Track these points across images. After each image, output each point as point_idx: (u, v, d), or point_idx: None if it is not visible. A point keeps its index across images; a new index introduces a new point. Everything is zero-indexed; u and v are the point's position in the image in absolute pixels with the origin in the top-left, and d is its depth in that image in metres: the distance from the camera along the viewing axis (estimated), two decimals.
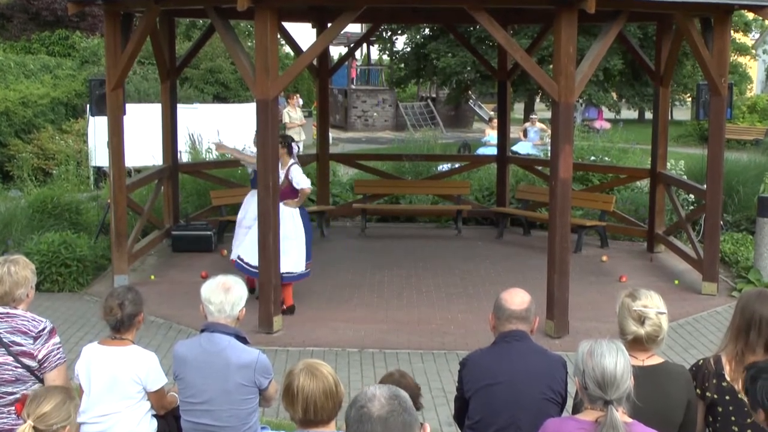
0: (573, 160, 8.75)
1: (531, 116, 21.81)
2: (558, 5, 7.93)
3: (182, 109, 14.53)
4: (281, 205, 8.61)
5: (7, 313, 4.27)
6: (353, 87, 36.71)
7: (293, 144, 9.07)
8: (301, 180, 8.92)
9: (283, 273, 8.58)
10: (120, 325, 4.43)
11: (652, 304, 3.64)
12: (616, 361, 3.12)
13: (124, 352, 4.42)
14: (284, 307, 8.81)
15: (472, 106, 36.81)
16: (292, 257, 8.72)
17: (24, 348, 4.21)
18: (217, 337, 4.21)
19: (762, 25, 31.39)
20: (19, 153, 18.41)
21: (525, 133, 20.73)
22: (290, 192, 8.87)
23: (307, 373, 3.36)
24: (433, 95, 38.02)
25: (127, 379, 4.39)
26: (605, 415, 3.09)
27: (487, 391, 3.90)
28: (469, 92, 30.64)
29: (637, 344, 3.60)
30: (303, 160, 14.35)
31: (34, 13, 28.37)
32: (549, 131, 19.49)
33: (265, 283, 8.32)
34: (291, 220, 8.82)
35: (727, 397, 3.72)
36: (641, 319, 3.61)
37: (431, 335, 8.47)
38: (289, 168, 8.89)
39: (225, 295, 4.22)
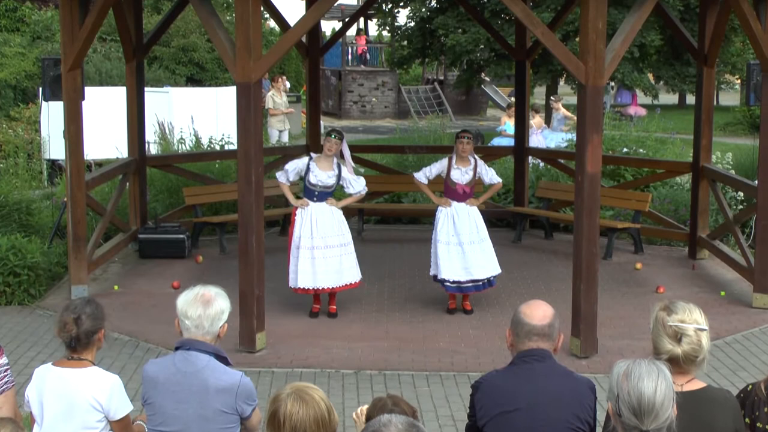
0: (602, 152, 8.75)
1: (551, 98, 21.71)
2: None
3: (150, 93, 14.53)
4: (465, 205, 9.43)
5: None
6: (348, 68, 36.73)
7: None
8: (494, 175, 9.64)
9: (489, 278, 9.46)
10: (76, 343, 4.42)
11: (691, 319, 3.63)
12: (656, 386, 3.10)
13: (83, 374, 4.42)
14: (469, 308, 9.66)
15: (486, 90, 36.83)
16: (493, 258, 9.44)
17: None
18: (194, 355, 4.21)
19: None
20: None
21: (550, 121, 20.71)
22: (473, 190, 9.55)
23: (295, 398, 3.36)
24: (441, 78, 38.02)
25: (86, 406, 4.39)
26: None
27: (504, 419, 3.90)
28: (483, 74, 30.64)
29: (673, 365, 3.58)
30: (291, 153, 14.42)
31: None
32: (555, 118, 19.60)
33: (247, 294, 8.33)
34: (480, 220, 9.44)
35: None
36: (677, 337, 3.60)
37: (439, 354, 8.48)
38: (476, 163, 9.51)
39: (204, 308, 4.22)
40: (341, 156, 9.45)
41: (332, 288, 9.27)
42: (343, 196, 9.76)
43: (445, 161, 9.58)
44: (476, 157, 9.66)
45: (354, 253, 9.38)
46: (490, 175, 9.64)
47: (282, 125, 21.30)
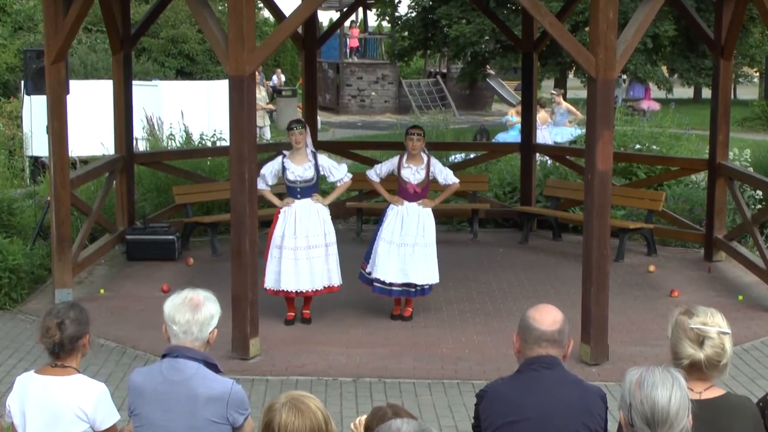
0: (614, 148, 8.74)
1: (552, 92, 21.72)
2: None
3: (138, 87, 14.53)
4: (417, 206, 9.38)
5: None
6: (347, 61, 36.74)
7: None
8: (449, 174, 9.52)
9: (424, 285, 9.39)
10: (59, 350, 4.42)
11: (713, 322, 3.63)
12: (671, 395, 3.10)
13: (67, 382, 4.41)
14: (406, 314, 9.59)
15: (491, 83, 36.87)
16: (434, 266, 9.40)
17: None
18: (182, 363, 4.21)
19: None
20: None
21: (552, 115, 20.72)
22: (426, 190, 9.51)
23: (290, 407, 3.35)
24: (444, 70, 38.05)
25: (71, 416, 4.39)
26: None
27: (511, 430, 3.89)
28: (488, 67, 30.67)
29: (694, 371, 3.59)
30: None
31: None
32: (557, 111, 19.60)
33: (240, 298, 8.33)
34: (429, 224, 9.47)
35: None
36: (700, 340, 3.59)
37: (441, 361, 8.48)
38: (429, 161, 9.46)
39: (192, 313, 4.22)
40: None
41: (314, 291, 9.25)
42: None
43: (395, 159, 9.55)
44: (429, 155, 9.59)
45: (336, 255, 9.34)
46: (444, 175, 9.52)
47: (261, 121, 21.35)
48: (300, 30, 13.07)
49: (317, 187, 9.37)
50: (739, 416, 3.62)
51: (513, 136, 18.43)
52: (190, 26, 30.68)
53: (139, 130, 14.84)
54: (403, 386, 7.95)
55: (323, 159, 9.41)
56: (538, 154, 14.08)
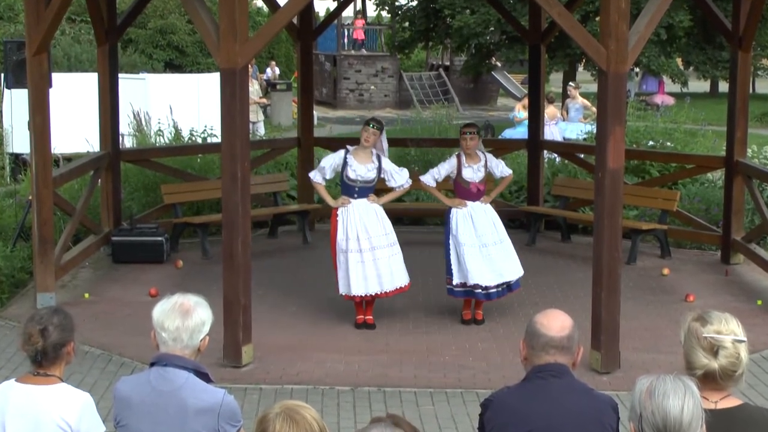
0: (625, 145, 8.74)
1: (570, 85, 21.75)
2: None
3: (125, 80, 14.55)
4: (480, 204, 9.52)
5: None
6: (344, 53, 36.77)
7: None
8: (504, 167, 9.82)
9: (511, 282, 9.58)
10: (42, 358, 4.42)
11: (728, 329, 3.63)
12: (683, 405, 3.11)
13: (50, 391, 4.42)
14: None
15: (496, 77, 36.90)
16: (516, 258, 9.60)
17: None
18: (171, 372, 4.21)
19: None
20: None
21: (567, 111, 20.75)
22: (485, 187, 9.65)
23: (285, 417, 3.35)
24: (446, 63, 38.08)
25: (53, 427, 4.39)
26: None
27: None
28: (493, 59, 30.69)
29: (708, 381, 3.60)
30: (280, 146, 14.42)
31: None
32: (593, 108, 19.64)
33: (232, 303, 8.33)
34: (497, 218, 9.65)
35: None
36: (713, 349, 3.60)
37: (444, 369, 8.49)
38: (486, 157, 9.62)
39: (182, 319, 4.22)
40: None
41: (385, 293, 9.31)
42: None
43: (454, 160, 9.59)
44: (484, 151, 9.74)
45: (401, 254, 9.44)
46: (500, 168, 9.73)
47: (255, 116, 21.35)
48: (295, 20, 13.08)
49: (374, 189, 9.44)
50: (757, 428, 3.63)
51: (520, 132, 18.45)
52: (179, 16, 30.71)
53: (125, 126, 14.85)
54: (403, 395, 7.95)
55: (386, 163, 9.48)
56: (546, 151, 14.09)
